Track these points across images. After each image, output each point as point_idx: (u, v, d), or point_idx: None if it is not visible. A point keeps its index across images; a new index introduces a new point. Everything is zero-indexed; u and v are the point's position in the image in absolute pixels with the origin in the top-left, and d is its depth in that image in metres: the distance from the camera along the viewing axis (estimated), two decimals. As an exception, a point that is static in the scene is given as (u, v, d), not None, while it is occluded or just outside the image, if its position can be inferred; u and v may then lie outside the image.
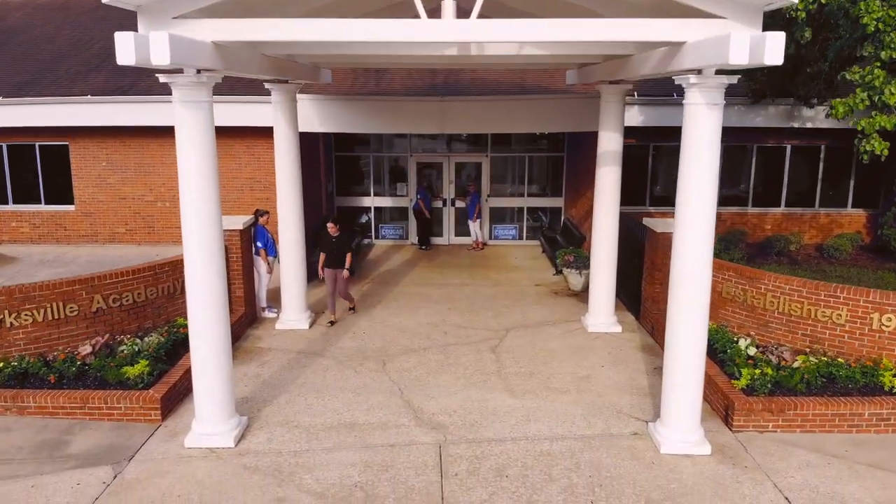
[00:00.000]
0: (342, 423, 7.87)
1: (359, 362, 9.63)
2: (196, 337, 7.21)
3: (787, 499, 6.54)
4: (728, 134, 15.43)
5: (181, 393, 8.41)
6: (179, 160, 6.86)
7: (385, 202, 17.26)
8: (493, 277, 14.13)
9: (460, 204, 16.83)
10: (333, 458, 7.13)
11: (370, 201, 17.15)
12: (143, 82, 15.13)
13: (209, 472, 6.90)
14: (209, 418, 7.37)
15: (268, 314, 11.58)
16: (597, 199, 10.85)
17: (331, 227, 11.62)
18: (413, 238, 17.12)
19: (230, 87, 14.65)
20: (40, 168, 15.88)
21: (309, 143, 14.41)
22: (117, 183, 15.80)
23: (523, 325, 11.20)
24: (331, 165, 16.70)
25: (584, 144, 14.68)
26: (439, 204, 16.91)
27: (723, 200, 15.72)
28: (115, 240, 16.05)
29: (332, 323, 11.13)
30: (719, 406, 8.14)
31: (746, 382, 8.05)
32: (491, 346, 10.28)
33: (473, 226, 16.37)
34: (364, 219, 17.35)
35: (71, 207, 15.92)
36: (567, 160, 16.62)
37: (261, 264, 11.47)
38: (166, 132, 15.19)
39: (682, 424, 7.32)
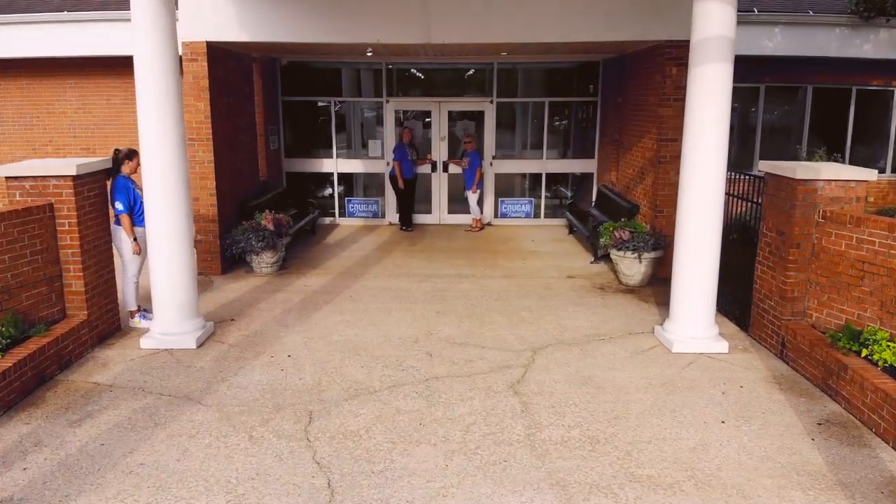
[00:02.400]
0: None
1: (263, 418, 5.11)
2: None
3: None
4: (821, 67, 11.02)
5: None
6: None
7: (354, 167, 12.75)
8: (504, 266, 9.63)
9: (455, 169, 12.34)
10: None
11: (333, 165, 12.62)
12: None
13: None
14: None
15: (140, 323, 7.05)
16: (689, 136, 6.34)
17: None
18: (392, 216, 12.60)
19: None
20: None
21: (236, 76, 9.87)
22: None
23: (560, 342, 6.71)
24: (276, 114, 12.15)
25: (633, 78, 10.17)
26: (426, 169, 12.39)
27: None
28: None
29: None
30: None
31: None
32: (509, 380, 5.78)
33: (472, 198, 11.85)
34: (328, 191, 12.83)
35: None
36: (603, 107, 12.09)
37: (123, 240, 6.94)
38: None
39: None
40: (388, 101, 12.26)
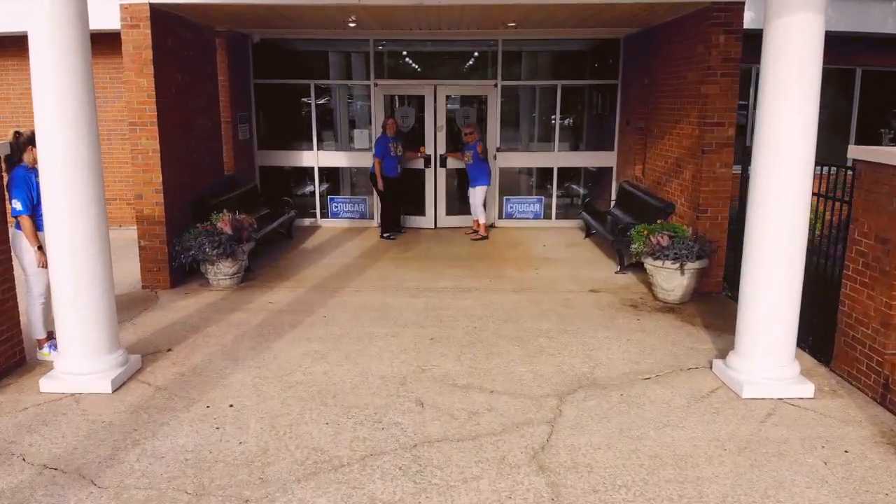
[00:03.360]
0: None
1: (176, 510, 3.53)
2: None
3: None
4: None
5: None
6: None
7: (338, 160, 11.17)
8: (513, 277, 8.04)
9: (456, 163, 10.71)
10: None
11: (314, 159, 11.03)
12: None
13: None
14: None
15: (50, 354, 5.44)
16: (765, 118, 4.76)
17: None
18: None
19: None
20: None
21: (193, 50, 8.28)
22: None
23: (593, 382, 5.12)
24: (247, 99, 10.56)
25: (665, 53, 8.60)
26: (419, 164, 10.77)
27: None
28: None
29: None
30: None
31: None
32: (530, 445, 4.19)
33: (476, 196, 10.24)
34: (308, 188, 11.25)
35: None
36: (624, 90, 10.51)
37: (25, 249, 5.35)
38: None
39: None
40: (376, 85, 10.66)
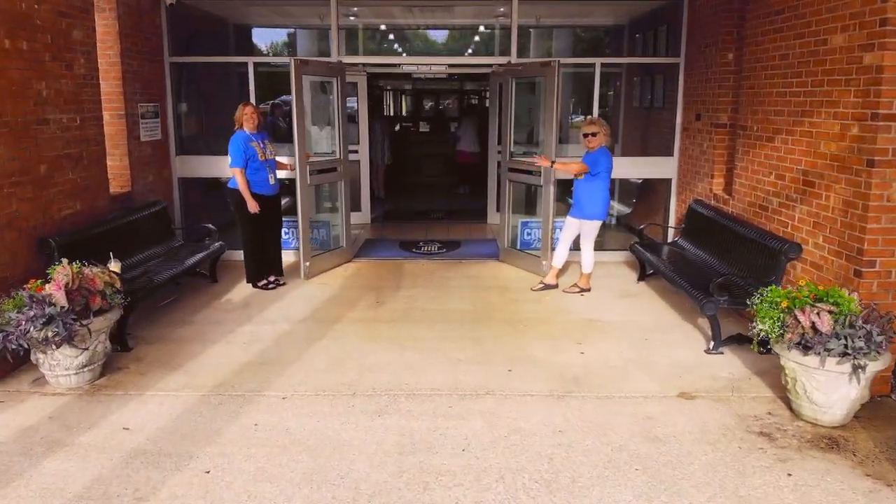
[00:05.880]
0: None
1: None
2: None
3: None
4: None
5: None
6: None
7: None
8: (546, 363, 4.97)
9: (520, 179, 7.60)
10: None
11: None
12: None
13: None
14: None
15: None
16: None
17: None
18: (352, 246, 7.95)
19: None
20: None
21: (32, 6, 5.24)
22: None
23: None
24: (158, 85, 7.45)
25: (774, 11, 5.59)
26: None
27: None
28: None
29: None
30: None
31: None
32: None
33: (588, 236, 6.65)
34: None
35: None
36: (689, 71, 7.44)
37: None
38: None
39: None
40: (342, 63, 7.61)
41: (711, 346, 5.17)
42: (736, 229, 5.89)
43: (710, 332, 5.26)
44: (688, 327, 5.72)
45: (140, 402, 4.34)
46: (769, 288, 4.28)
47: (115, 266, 5.13)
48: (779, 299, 4.13)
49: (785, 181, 5.35)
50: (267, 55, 9.63)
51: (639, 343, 5.36)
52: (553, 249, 7.02)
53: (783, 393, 4.35)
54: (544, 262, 7.19)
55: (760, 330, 4.18)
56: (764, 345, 4.40)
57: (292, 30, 10.08)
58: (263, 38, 10.86)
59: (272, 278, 6.80)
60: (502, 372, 4.79)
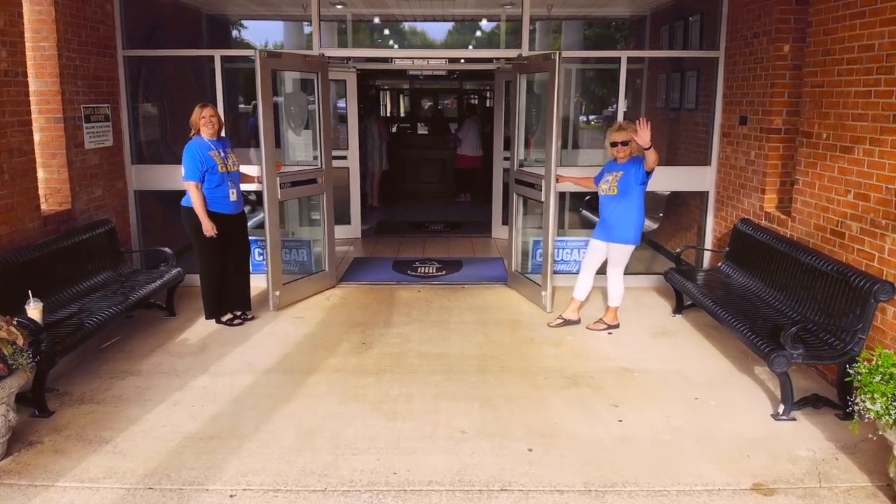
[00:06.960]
0: None
1: None
2: None
3: None
4: None
5: None
6: None
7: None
8: (576, 439, 3.90)
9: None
10: None
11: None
12: None
13: None
14: None
15: None
16: None
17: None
18: (337, 264, 6.90)
19: None
20: None
21: None
22: None
23: None
24: (111, 83, 6.36)
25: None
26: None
27: None
28: None
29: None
30: None
31: None
32: None
33: (616, 263, 5.57)
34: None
35: None
36: (730, 67, 6.36)
37: None
38: None
39: None
40: (325, 57, 6.54)
41: (781, 411, 4.11)
42: (801, 258, 4.83)
43: (772, 387, 4.21)
44: (744, 380, 4.66)
45: (46, 500, 3.28)
46: (877, 352, 3.23)
47: (34, 309, 4.12)
48: (894, 370, 3.07)
49: (870, 202, 4.29)
50: (239, 45, 8.57)
51: (689, 404, 4.31)
52: (553, 273, 5.99)
53: (886, 481, 3.33)
54: (544, 293, 6.12)
55: (868, 410, 3.13)
56: (844, 406, 3.37)
57: (277, 22, 9.08)
58: (245, 32, 9.81)
59: (238, 312, 5.73)
60: (521, 452, 3.73)
